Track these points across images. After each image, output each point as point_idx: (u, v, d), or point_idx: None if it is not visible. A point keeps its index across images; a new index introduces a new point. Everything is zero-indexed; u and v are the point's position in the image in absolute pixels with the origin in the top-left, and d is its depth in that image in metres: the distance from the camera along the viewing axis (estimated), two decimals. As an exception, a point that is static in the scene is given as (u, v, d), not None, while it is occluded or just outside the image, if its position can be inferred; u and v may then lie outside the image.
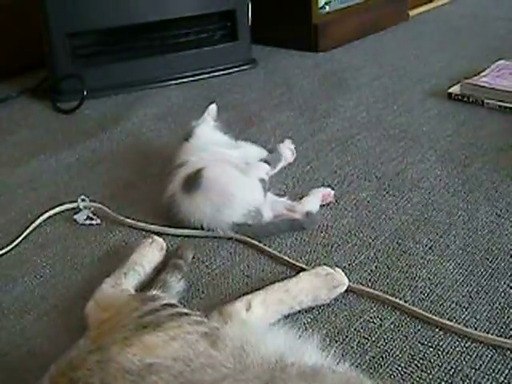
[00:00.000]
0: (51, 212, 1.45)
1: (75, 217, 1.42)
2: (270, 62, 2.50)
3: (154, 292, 1.05)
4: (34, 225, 1.42)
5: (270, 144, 1.69)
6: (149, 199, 1.49)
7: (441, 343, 1.01)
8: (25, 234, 1.39)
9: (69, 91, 2.18)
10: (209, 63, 2.37)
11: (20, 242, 1.37)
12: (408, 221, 1.35)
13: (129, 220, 1.40)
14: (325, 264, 1.19)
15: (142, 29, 2.31)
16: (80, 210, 1.44)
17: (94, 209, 1.44)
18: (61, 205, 1.47)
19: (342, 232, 1.33)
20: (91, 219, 1.41)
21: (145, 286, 1.15)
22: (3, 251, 1.34)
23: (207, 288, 1.18)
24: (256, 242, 1.30)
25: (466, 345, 1.01)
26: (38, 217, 1.44)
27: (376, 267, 1.21)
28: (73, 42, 2.19)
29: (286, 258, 1.24)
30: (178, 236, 1.34)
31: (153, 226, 1.37)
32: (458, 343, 1.01)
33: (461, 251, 1.24)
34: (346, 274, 1.15)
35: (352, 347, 1.02)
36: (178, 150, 1.48)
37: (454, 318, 1.06)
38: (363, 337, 1.04)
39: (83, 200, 1.45)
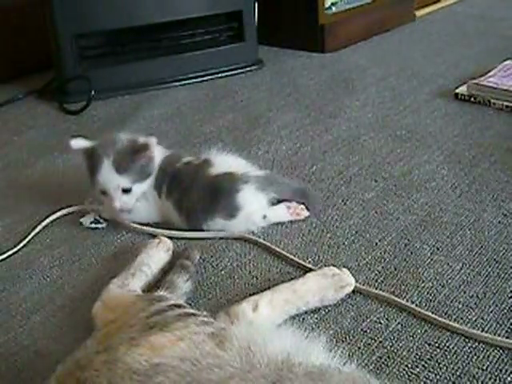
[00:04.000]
0: (58, 214, 1.45)
1: (81, 220, 1.42)
2: (277, 63, 2.50)
3: (161, 292, 1.05)
4: (41, 226, 1.42)
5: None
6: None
7: (448, 344, 1.01)
8: (32, 234, 1.39)
9: (76, 92, 2.19)
10: (215, 64, 2.37)
11: (27, 242, 1.38)
12: (415, 221, 1.35)
13: (134, 225, 1.39)
14: (332, 264, 1.19)
15: (148, 30, 2.32)
16: (87, 212, 1.44)
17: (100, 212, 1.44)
18: (69, 206, 1.47)
19: (349, 232, 1.33)
20: (97, 223, 1.41)
21: (152, 287, 1.16)
22: (11, 252, 1.34)
23: (214, 288, 1.18)
24: (263, 242, 1.30)
25: (473, 345, 1.00)
26: (46, 218, 1.44)
27: (383, 268, 1.21)
28: (80, 43, 2.19)
29: (293, 258, 1.24)
30: (187, 239, 1.34)
31: (159, 230, 1.36)
32: (465, 344, 1.01)
33: (468, 252, 1.24)
34: (352, 275, 1.15)
35: (359, 347, 1.02)
36: None
37: (461, 318, 1.06)
38: (370, 337, 1.04)
39: (90, 203, 1.45)
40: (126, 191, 1.32)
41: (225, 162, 1.37)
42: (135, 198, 1.34)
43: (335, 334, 1.05)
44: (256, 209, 1.34)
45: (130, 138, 1.36)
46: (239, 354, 0.78)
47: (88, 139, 1.38)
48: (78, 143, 1.37)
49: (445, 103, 1.97)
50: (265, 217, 1.35)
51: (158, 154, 1.37)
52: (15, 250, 1.35)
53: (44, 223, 1.43)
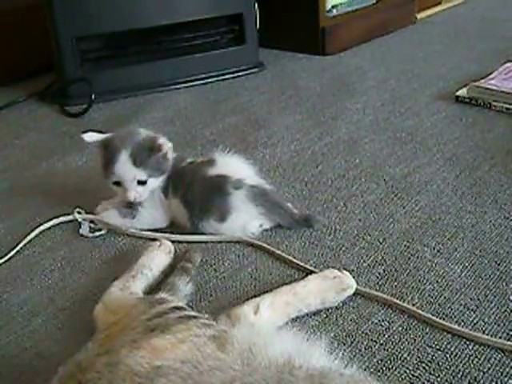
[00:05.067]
0: (59, 220, 1.45)
1: (81, 231, 1.40)
2: (278, 66, 2.50)
3: (163, 295, 1.05)
4: (42, 228, 1.42)
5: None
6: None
7: (449, 346, 1.01)
8: (33, 236, 1.39)
9: (77, 95, 2.19)
10: (216, 67, 2.38)
11: (29, 245, 1.38)
12: (416, 224, 1.35)
13: (133, 230, 1.39)
14: (333, 267, 1.19)
15: (149, 32, 2.32)
16: (80, 222, 1.43)
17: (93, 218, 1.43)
18: (67, 214, 1.46)
19: (350, 235, 1.33)
20: (96, 230, 1.41)
21: (153, 289, 1.16)
22: (12, 254, 1.34)
23: (215, 291, 1.18)
24: (264, 245, 1.30)
25: (474, 348, 1.00)
26: (47, 220, 1.44)
27: (384, 270, 1.21)
28: (81, 45, 2.20)
29: (294, 260, 1.24)
30: (188, 242, 1.34)
31: (158, 234, 1.35)
32: (465, 346, 1.01)
33: (469, 254, 1.24)
34: (353, 277, 1.15)
35: (360, 350, 1.02)
36: None
37: (462, 321, 1.06)
38: (371, 340, 1.04)
39: (79, 213, 1.44)
40: (141, 183, 1.33)
41: (226, 164, 1.36)
42: (148, 191, 1.35)
43: (336, 336, 1.05)
44: (247, 217, 1.33)
45: (149, 133, 1.39)
46: (240, 357, 0.78)
47: (100, 132, 1.40)
48: (91, 136, 1.38)
49: (445, 105, 1.98)
50: (261, 226, 1.35)
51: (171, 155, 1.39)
52: (16, 251, 1.35)
53: (45, 225, 1.42)
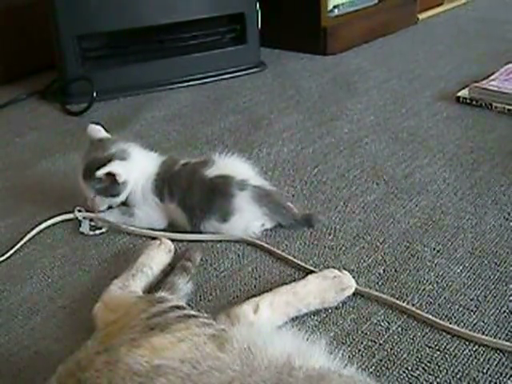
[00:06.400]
0: (59, 218, 1.45)
1: (81, 230, 1.40)
2: (279, 65, 2.50)
3: (162, 294, 1.05)
4: (42, 226, 1.42)
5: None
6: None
7: (448, 346, 1.01)
8: (33, 235, 1.39)
9: (78, 93, 2.19)
10: (218, 66, 2.38)
11: (29, 243, 1.38)
12: (416, 224, 1.35)
13: (133, 228, 1.39)
14: (333, 267, 1.19)
15: (151, 31, 2.32)
16: (80, 221, 1.43)
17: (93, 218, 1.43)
18: (68, 212, 1.45)
19: (350, 235, 1.33)
20: (97, 228, 1.41)
21: (153, 288, 1.16)
22: (12, 252, 1.34)
23: (215, 290, 1.18)
24: (264, 244, 1.30)
25: (474, 348, 1.00)
26: (47, 218, 1.44)
27: (384, 270, 1.21)
28: (82, 44, 2.19)
29: (294, 260, 1.24)
30: (188, 241, 1.34)
31: (158, 233, 1.35)
32: (465, 347, 1.01)
33: (469, 255, 1.24)
34: (353, 277, 1.15)
35: (359, 350, 1.02)
36: None
37: (462, 321, 1.06)
38: (370, 340, 1.04)
39: (79, 211, 1.44)
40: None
41: (228, 165, 1.35)
42: (103, 205, 1.39)
43: (335, 336, 1.05)
44: (250, 218, 1.32)
45: (121, 149, 1.38)
46: (239, 357, 0.78)
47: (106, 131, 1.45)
48: (92, 130, 1.45)
49: (446, 106, 1.98)
50: (263, 225, 1.34)
51: (152, 162, 1.39)
52: (16, 250, 1.35)
53: (45, 224, 1.42)
